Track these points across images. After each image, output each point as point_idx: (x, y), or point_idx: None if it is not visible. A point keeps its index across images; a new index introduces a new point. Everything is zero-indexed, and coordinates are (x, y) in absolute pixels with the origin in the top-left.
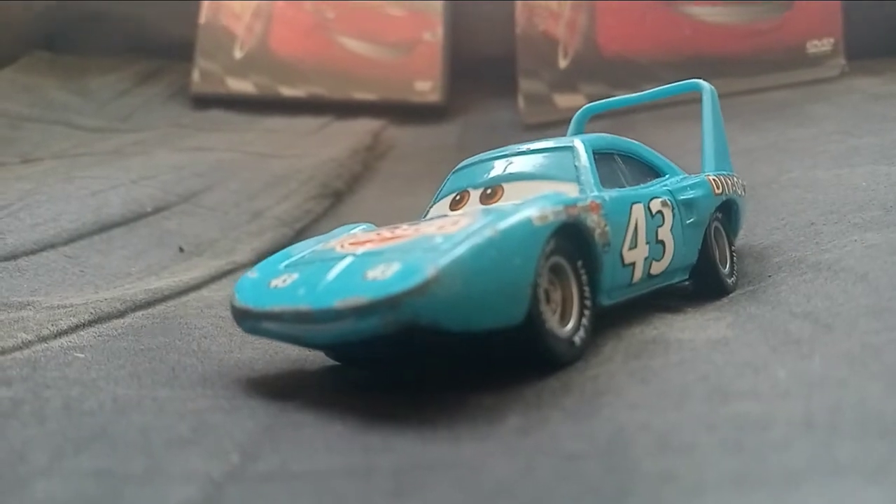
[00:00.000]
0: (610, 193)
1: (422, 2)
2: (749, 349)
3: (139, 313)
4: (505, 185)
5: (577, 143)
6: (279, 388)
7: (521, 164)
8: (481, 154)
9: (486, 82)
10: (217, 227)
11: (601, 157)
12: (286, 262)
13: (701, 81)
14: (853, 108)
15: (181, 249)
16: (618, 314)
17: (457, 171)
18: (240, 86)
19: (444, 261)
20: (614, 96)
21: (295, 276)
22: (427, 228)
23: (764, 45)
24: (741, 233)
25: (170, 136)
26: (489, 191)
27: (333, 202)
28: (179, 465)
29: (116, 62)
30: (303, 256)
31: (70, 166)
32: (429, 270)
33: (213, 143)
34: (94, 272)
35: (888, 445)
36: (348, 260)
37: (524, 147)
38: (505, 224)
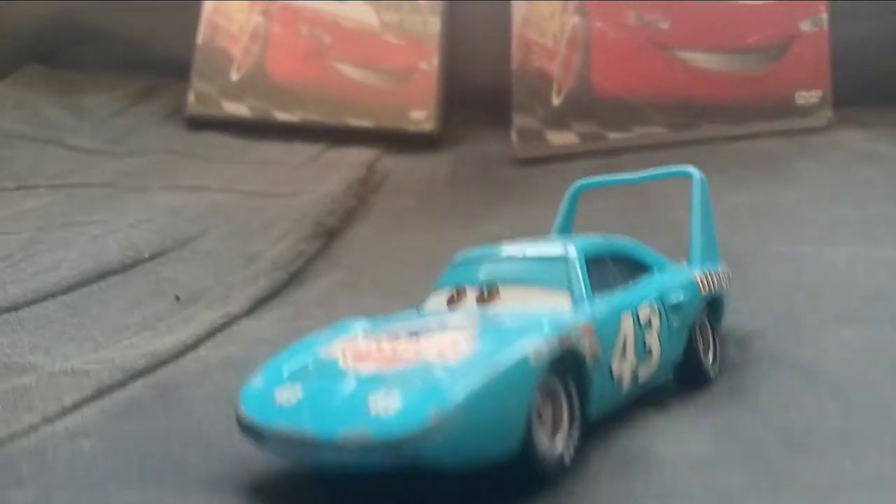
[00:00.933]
0: (600, 306)
1: (419, 31)
2: (727, 477)
3: (139, 382)
4: (501, 288)
5: (571, 251)
6: (280, 499)
7: (516, 269)
8: (478, 250)
9: (479, 114)
10: (212, 274)
11: (592, 260)
12: (290, 370)
13: (691, 169)
14: (839, 168)
15: (177, 298)
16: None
17: (454, 265)
18: (235, 108)
19: (445, 404)
20: (606, 137)
21: (299, 392)
22: (428, 351)
23: (754, 94)
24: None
25: (164, 167)
26: (486, 292)
27: (327, 241)
28: None
29: (112, 80)
30: (306, 365)
31: (67, 204)
32: (430, 415)
33: (208, 181)
34: (92, 324)
35: None
36: (351, 383)
37: (520, 252)
38: (503, 364)
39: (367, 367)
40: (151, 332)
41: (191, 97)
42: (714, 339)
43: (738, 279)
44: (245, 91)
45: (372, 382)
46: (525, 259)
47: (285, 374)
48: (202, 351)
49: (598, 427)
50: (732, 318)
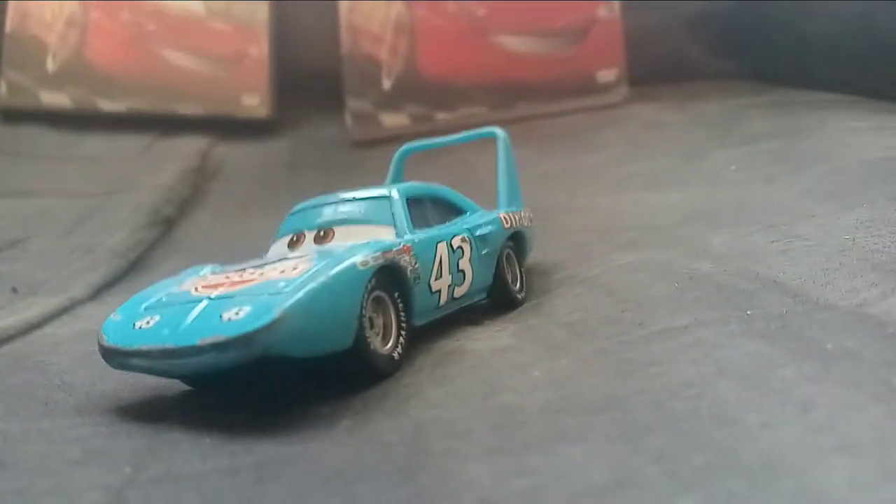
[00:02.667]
0: (419, 235)
1: (246, 16)
2: (520, 355)
3: None
4: (335, 229)
5: (394, 192)
6: (149, 413)
7: (347, 211)
8: (314, 199)
9: (313, 98)
10: (48, 268)
11: (413, 201)
12: (145, 305)
13: (496, 129)
14: (632, 135)
15: (14, 290)
16: (430, 329)
17: (293, 213)
18: (54, 99)
19: (288, 303)
20: (434, 117)
21: (157, 317)
22: (270, 273)
23: (561, 74)
24: (536, 252)
25: None
26: (322, 233)
27: (165, 230)
28: (81, 479)
29: None
30: (160, 299)
31: None
32: (276, 312)
33: (32, 184)
34: None
35: (593, 419)
36: (204, 303)
37: (350, 196)
38: (335, 270)
39: (218, 291)
40: None
41: (2, 88)
42: (520, 270)
43: (546, 227)
44: (64, 80)
45: (223, 301)
46: (354, 201)
47: (142, 308)
48: (49, 329)
49: (421, 335)
50: (540, 255)
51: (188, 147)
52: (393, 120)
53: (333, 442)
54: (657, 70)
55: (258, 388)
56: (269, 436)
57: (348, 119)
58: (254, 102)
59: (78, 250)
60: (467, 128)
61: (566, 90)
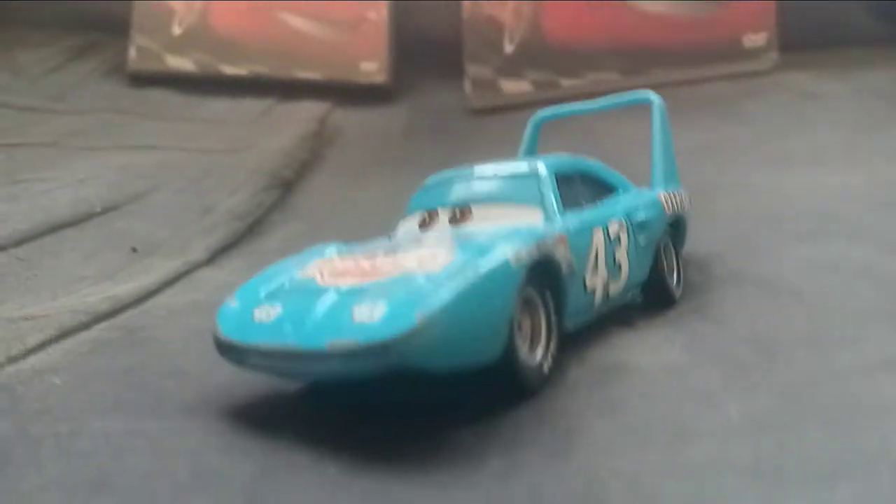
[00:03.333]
0: (572, 220)
1: None
2: (702, 380)
3: (103, 324)
4: (473, 208)
5: (541, 168)
6: (266, 420)
7: (487, 188)
8: (447, 173)
9: (431, 64)
10: (168, 226)
11: (562, 178)
12: (266, 291)
13: (651, 94)
14: (786, 106)
15: (134, 250)
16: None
17: (425, 188)
18: (179, 63)
19: (430, 307)
20: (559, 84)
21: (278, 308)
22: (407, 262)
23: (703, 38)
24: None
25: (109, 126)
26: (458, 213)
27: (283, 193)
28: None
29: (47, 36)
30: (283, 285)
31: (10, 163)
32: (416, 317)
33: (156, 140)
34: (48, 276)
35: (824, 492)
36: (332, 296)
37: (491, 171)
38: (485, 267)
39: (347, 282)
40: (111, 282)
41: (132, 52)
42: (677, 262)
43: (696, 210)
44: (189, 45)
45: (354, 294)
46: (496, 178)
47: (262, 295)
48: (165, 297)
49: (571, 342)
50: (692, 245)
51: (307, 112)
52: (514, 87)
53: (482, 491)
54: (810, 34)
55: (385, 391)
56: (404, 474)
57: (467, 86)
58: (372, 68)
59: (198, 210)
60: (595, 95)
61: (707, 55)
